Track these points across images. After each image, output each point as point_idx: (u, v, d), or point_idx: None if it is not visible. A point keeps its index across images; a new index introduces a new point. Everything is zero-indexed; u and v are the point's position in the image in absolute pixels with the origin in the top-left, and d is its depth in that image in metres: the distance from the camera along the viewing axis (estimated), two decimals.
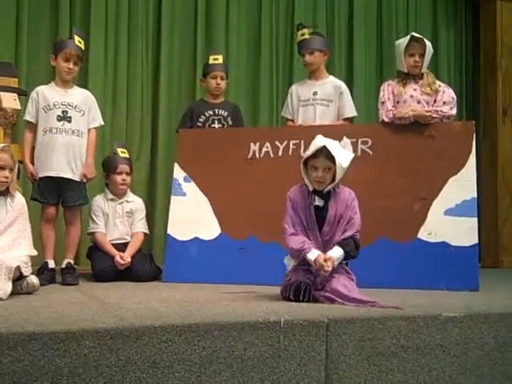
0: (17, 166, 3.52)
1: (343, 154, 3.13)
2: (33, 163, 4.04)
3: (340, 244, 3.10)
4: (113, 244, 4.29)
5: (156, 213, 5.62)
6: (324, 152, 3.09)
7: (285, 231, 3.18)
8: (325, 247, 3.12)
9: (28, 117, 4.10)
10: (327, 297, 2.96)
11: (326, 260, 3.01)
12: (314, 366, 2.37)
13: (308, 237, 3.14)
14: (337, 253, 3.07)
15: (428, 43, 4.18)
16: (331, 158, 3.09)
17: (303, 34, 4.51)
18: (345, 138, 3.27)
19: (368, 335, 2.46)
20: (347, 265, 3.19)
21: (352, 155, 3.19)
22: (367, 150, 4.12)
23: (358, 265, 3.18)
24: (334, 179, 3.15)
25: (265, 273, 3.63)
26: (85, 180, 4.13)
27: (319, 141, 3.15)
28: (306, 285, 2.98)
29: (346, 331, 2.43)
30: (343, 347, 2.42)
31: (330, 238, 3.14)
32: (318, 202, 3.16)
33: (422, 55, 4.16)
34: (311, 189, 3.18)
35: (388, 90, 4.25)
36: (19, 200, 3.44)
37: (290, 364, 2.34)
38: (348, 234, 3.12)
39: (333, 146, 3.11)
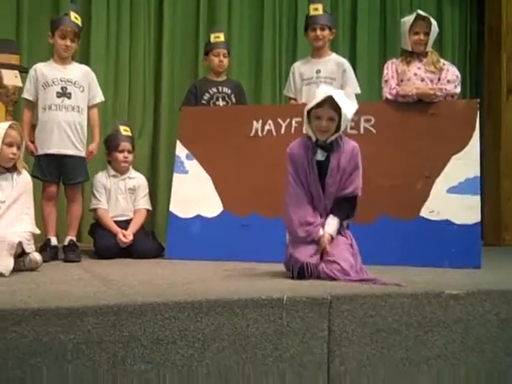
0: (24, 144, 3.52)
1: (348, 104, 3.10)
2: (33, 141, 4.03)
3: (334, 212, 3.12)
4: (115, 221, 4.29)
5: (158, 190, 5.60)
6: (328, 101, 3.05)
7: (286, 207, 3.14)
8: (328, 200, 3.12)
9: (26, 95, 4.07)
10: (329, 274, 2.96)
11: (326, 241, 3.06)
12: (317, 342, 2.38)
13: (309, 194, 3.12)
14: (333, 226, 3.10)
15: (433, 22, 4.14)
16: (335, 108, 3.05)
17: (316, 9, 4.46)
18: (348, 88, 3.22)
19: (370, 312, 2.47)
20: (348, 227, 3.22)
21: (356, 106, 3.17)
22: (370, 127, 4.10)
23: (360, 242, 3.18)
24: (337, 130, 3.11)
25: (268, 250, 3.62)
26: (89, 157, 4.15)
27: (324, 90, 3.12)
28: (309, 266, 2.98)
29: (348, 308, 2.44)
30: (346, 324, 2.43)
31: (335, 191, 3.12)
32: (321, 156, 3.12)
33: (427, 34, 4.12)
34: (314, 139, 3.14)
35: (392, 68, 4.21)
36: (25, 177, 3.44)
37: (293, 341, 2.35)
38: (346, 191, 3.12)
39: (338, 95, 3.08)
